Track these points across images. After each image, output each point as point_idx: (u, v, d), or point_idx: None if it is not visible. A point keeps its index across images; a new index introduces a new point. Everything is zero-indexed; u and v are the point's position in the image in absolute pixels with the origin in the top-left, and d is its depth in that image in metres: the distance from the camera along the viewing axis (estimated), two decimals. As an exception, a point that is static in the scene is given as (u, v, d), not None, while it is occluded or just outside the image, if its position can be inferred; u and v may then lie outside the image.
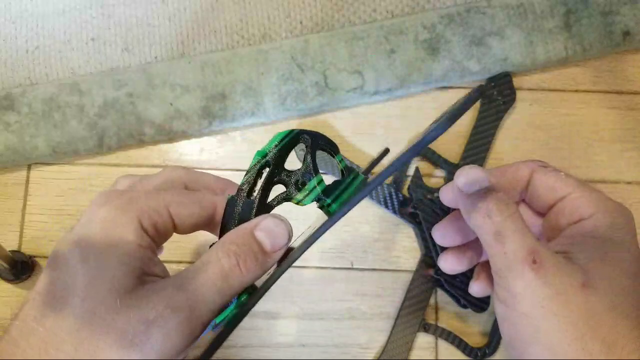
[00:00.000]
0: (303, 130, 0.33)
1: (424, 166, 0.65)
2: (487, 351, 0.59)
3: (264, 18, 0.67)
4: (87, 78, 0.65)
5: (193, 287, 0.23)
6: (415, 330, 0.60)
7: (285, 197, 0.32)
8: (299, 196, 0.31)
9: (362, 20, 0.67)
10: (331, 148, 0.35)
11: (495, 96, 0.56)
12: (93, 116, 0.64)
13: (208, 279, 0.23)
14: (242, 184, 0.30)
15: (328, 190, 0.31)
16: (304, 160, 0.33)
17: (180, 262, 0.62)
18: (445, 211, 0.34)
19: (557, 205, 0.30)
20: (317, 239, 0.26)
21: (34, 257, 0.62)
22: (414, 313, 0.60)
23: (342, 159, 0.35)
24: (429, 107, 0.66)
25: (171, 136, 0.65)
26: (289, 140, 0.32)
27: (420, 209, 0.59)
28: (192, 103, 0.64)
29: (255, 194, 0.30)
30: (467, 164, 0.38)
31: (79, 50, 0.67)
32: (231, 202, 0.29)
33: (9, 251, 0.59)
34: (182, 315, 0.22)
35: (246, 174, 0.31)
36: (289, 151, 0.33)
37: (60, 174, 0.65)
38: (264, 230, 0.26)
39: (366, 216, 0.64)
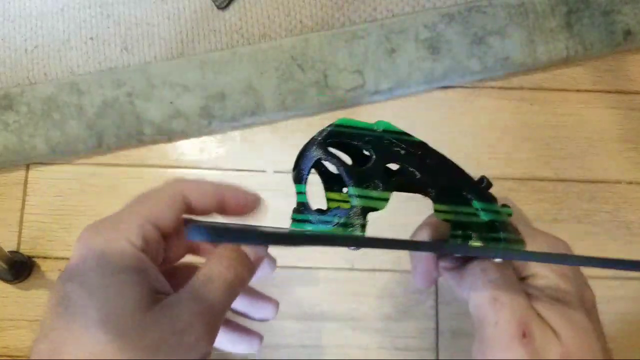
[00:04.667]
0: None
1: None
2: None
3: (263, 17, 0.67)
4: (86, 77, 0.65)
5: (210, 298, 0.25)
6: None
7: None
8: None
9: (363, 20, 0.67)
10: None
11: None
12: (92, 116, 0.64)
13: (219, 289, 0.26)
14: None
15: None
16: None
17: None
18: None
19: None
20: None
21: (33, 257, 0.62)
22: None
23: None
24: (429, 106, 0.66)
25: (170, 136, 0.65)
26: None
27: None
28: (192, 103, 0.64)
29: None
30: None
31: (78, 49, 0.67)
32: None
33: (8, 251, 0.59)
34: (207, 321, 0.25)
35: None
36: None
37: (59, 174, 0.65)
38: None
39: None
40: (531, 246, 0.29)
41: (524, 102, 0.66)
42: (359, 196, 0.25)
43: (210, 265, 0.27)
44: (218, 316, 0.26)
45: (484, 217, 0.27)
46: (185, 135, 0.65)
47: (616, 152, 0.66)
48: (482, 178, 0.29)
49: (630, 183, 0.65)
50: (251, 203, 0.31)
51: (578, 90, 0.67)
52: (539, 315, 0.27)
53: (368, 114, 0.66)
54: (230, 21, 0.67)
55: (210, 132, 0.65)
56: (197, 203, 0.29)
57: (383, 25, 0.66)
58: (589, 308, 0.28)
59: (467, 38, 0.66)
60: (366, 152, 0.26)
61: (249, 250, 0.28)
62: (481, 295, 0.27)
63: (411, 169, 0.26)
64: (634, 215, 0.64)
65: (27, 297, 0.62)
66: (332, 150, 0.26)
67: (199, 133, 0.65)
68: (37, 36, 0.67)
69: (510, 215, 0.29)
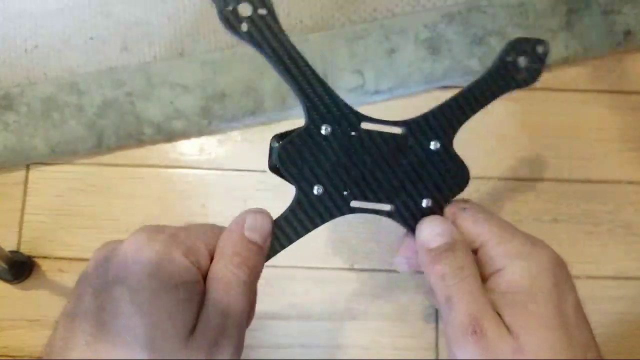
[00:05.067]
0: None
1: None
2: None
3: (263, 17, 0.67)
4: (86, 77, 0.65)
5: (228, 305, 0.25)
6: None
7: None
8: None
9: (363, 19, 0.67)
10: None
11: (519, 64, 0.41)
12: (92, 116, 0.64)
13: (237, 293, 0.26)
14: None
15: None
16: None
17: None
18: None
19: (478, 253, 0.30)
20: None
21: (33, 257, 0.62)
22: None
23: None
24: (429, 106, 0.66)
25: (171, 136, 0.65)
26: None
27: None
28: (192, 102, 0.64)
29: None
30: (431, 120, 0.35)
31: (78, 49, 0.67)
32: None
33: (8, 251, 0.59)
34: (236, 333, 0.25)
35: None
36: None
37: (59, 174, 0.65)
38: (251, 229, 0.28)
39: (366, 216, 0.64)
40: (508, 243, 0.29)
41: (523, 101, 0.66)
42: None
43: (221, 264, 0.27)
44: (244, 320, 0.26)
45: None
46: (185, 135, 0.65)
47: (616, 152, 0.66)
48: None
49: (631, 183, 0.65)
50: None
51: (577, 90, 0.67)
52: (497, 311, 0.27)
53: (367, 114, 0.66)
54: (230, 21, 0.67)
55: (210, 132, 0.65)
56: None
57: (383, 25, 0.66)
58: (566, 307, 0.27)
59: (467, 38, 0.66)
60: None
61: (255, 235, 0.28)
62: (438, 296, 0.28)
63: None
64: (635, 215, 0.64)
65: (27, 297, 0.62)
66: None
67: (199, 133, 0.65)
68: (36, 36, 0.67)
69: None
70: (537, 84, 0.69)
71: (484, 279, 0.29)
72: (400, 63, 0.65)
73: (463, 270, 0.28)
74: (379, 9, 0.67)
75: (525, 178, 0.65)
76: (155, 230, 0.26)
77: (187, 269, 0.25)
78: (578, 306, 0.28)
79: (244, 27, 0.28)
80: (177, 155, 0.65)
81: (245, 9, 0.28)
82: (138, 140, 0.64)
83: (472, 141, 0.66)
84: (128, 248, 0.25)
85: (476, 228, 0.29)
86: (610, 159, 0.65)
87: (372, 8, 0.67)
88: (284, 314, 0.60)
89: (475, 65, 0.65)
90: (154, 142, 0.65)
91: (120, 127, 0.64)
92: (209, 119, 0.64)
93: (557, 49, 0.66)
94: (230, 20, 0.28)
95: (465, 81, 0.66)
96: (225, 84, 0.65)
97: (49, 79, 0.66)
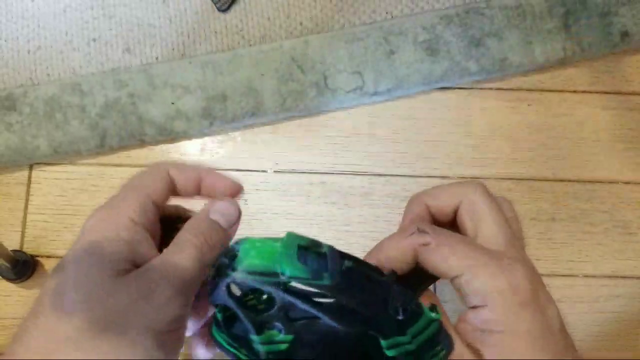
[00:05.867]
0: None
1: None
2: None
3: (264, 19, 0.68)
4: (89, 78, 0.66)
5: (177, 262, 0.26)
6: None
7: None
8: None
9: (362, 22, 0.67)
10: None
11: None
12: (94, 116, 0.65)
13: (187, 255, 0.27)
14: None
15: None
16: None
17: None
18: None
19: (452, 281, 0.27)
20: None
21: (36, 256, 0.63)
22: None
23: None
24: (428, 107, 0.67)
25: (172, 136, 0.65)
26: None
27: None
28: (193, 103, 0.65)
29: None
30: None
31: (81, 50, 0.67)
32: None
33: (11, 250, 0.59)
34: (175, 283, 0.25)
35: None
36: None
37: (61, 174, 0.65)
38: (217, 211, 0.30)
39: (365, 216, 0.64)
40: (480, 278, 0.26)
41: (521, 102, 0.67)
42: (262, 343, 0.26)
43: (180, 234, 0.28)
44: (188, 281, 0.26)
45: (388, 353, 0.25)
46: (186, 135, 0.66)
47: (613, 152, 0.66)
48: (391, 273, 0.27)
49: (627, 183, 0.66)
50: (231, 190, 0.32)
51: (575, 91, 0.68)
52: (475, 347, 0.25)
53: (368, 115, 0.67)
54: (231, 23, 0.68)
55: (211, 133, 0.66)
56: (181, 185, 0.30)
57: (382, 27, 0.67)
58: (551, 327, 0.26)
59: (465, 40, 0.66)
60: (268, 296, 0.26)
61: (221, 218, 0.29)
62: None
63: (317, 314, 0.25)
64: (631, 214, 0.65)
65: (29, 296, 0.62)
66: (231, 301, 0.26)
67: (200, 134, 0.66)
68: (39, 37, 0.67)
69: (436, 320, 0.26)
70: (535, 85, 0.70)
71: (464, 311, 0.27)
72: (399, 64, 0.66)
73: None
74: (377, 11, 0.68)
75: (522, 178, 0.65)
76: (99, 209, 0.28)
77: (123, 226, 0.27)
78: (560, 321, 0.26)
79: None
80: (178, 156, 0.66)
81: None
82: (140, 140, 0.65)
83: (470, 142, 0.66)
84: (78, 237, 0.27)
85: (442, 264, 0.26)
86: (607, 159, 0.66)
87: (371, 10, 0.68)
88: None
89: (473, 66, 0.66)
90: (155, 142, 0.66)
91: (123, 128, 0.64)
92: (210, 119, 0.65)
93: (554, 50, 0.67)
94: None
95: (463, 82, 0.67)
96: (226, 85, 0.65)
97: (51, 80, 0.66)
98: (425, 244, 0.27)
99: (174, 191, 0.30)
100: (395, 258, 0.28)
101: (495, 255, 0.26)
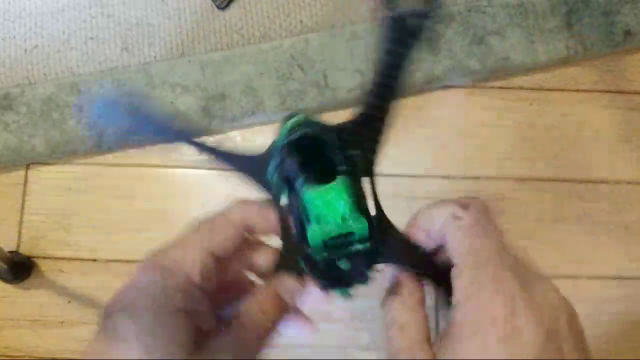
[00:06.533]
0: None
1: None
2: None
3: (263, 17, 0.67)
4: (86, 78, 0.65)
5: (241, 343, 0.27)
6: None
7: None
8: None
9: (362, 20, 0.67)
10: None
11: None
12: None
13: (251, 335, 0.27)
14: None
15: None
16: None
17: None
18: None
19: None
20: None
21: (32, 257, 0.62)
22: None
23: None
24: (430, 106, 0.66)
25: (171, 136, 0.65)
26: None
27: None
28: (192, 103, 0.64)
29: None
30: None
31: (78, 49, 0.67)
32: None
33: (7, 251, 0.59)
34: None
35: None
36: None
37: (58, 174, 0.64)
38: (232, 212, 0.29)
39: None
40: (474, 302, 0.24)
41: (523, 102, 0.66)
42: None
43: (246, 310, 0.28)
44: (252, 357, 0.27)
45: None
46: (185, 135, 0.65)
47: (616, 152, 0.66)
48: None
49: (630, 183, 0.65)
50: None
51: (578, 90, 0.67)
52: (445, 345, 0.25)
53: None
54: (231, 21, 0.67)
55: (210, 132, 0.65)
56: (259, 229, 0.29)
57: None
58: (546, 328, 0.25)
59: (467, 38, 0.66)
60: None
61: (287, 293, 0.28)
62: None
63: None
64: (633, 214, 0.64)
65: (26, 297, 0.62)
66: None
67: (199, 133, 0.65)
68: (36, 36, 0.67)
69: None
70: (537, 84, 0.69)
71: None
72: (400, 63, 0.65)
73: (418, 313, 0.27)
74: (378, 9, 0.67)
75: (525, 177, 0.65)
76: (157, 258, 0.27)
77: (187, 292, 0.26)
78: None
79: None
80: (177, 155, 0.65)
81: None
82: (138, 140, 0.64)
83: (472, 141, 0.66)
84: (134, 278, 0.26)
85: (461, 246, 0.26)
86: (610, 159, 0.65)
87: (372, 8, 0.67)
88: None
89: (475, 65, 0.65)
90: (154, 142, 0.65)
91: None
92: (209, 119, 0.64)
93: (557, 49, 0.66)
94: None
95: (465, 81, 0.66)
96: (225, 84, 0.65)
97: (49, 79, 0.66)
98: (458, 218, 0.27)
99: (250, 232, 0.29)
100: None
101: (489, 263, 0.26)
